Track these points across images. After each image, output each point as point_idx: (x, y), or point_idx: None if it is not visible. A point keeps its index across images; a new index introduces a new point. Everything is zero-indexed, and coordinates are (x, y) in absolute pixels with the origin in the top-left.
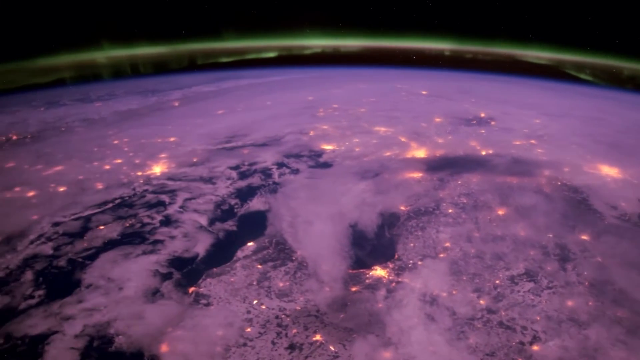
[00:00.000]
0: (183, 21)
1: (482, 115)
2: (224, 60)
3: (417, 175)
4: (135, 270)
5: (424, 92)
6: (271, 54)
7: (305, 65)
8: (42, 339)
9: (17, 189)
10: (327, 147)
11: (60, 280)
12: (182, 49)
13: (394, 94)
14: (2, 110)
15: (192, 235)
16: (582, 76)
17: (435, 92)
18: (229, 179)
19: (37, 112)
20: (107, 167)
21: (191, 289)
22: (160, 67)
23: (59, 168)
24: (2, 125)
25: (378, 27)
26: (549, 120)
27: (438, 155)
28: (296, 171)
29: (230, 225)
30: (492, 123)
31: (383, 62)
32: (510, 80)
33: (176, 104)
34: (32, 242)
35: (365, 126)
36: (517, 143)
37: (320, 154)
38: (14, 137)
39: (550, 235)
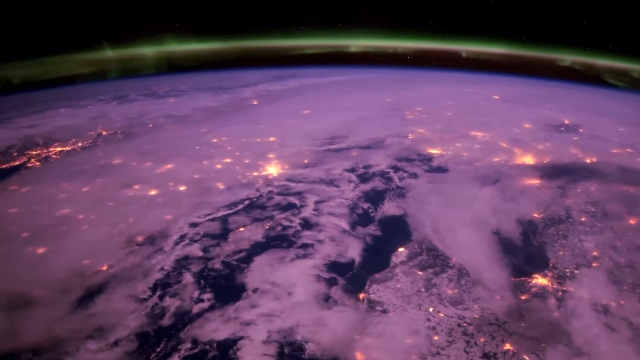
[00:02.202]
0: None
1: (566, 122)
2: (264, 57)
3: (535, 182)
4: (296, 274)
5: (496, 97)
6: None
7: (353, 64)
8: (230, 345)
9: (136, 186)
10: (433, 151)
11: (224, 284)
12: (223, 46)
13: (469, 98)
14: (72, 104)
15: (339, 240)
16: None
17: (507, 97)
18: (350, 181)
19: (111, 107)
20: (219, 166)
21: (361, 295)
22: (206, 64)
23: (169, 166)
24: (85, 120)
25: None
26: (635, 128)
27: (545, 162)
28: (414, 175)
29: (373, 230)
30: (580, 130)
31: (431, 65)
32: (563, 85)
33: (255, 102)
34: (176, 243)
35: (461, 130)
36: (616, 151)
37: (429, 158)
38: (104, 133)
39: None
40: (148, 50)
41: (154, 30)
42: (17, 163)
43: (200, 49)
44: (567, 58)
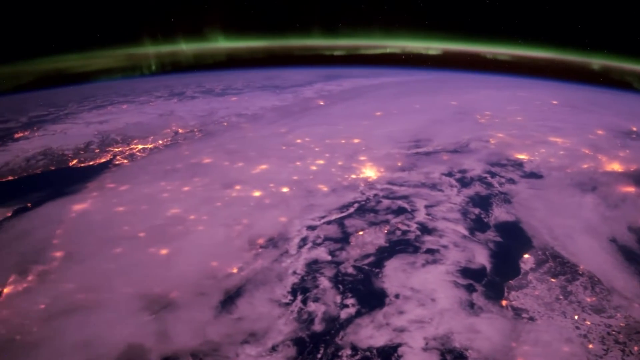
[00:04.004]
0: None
1: (634, 128)
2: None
3: (631, 189)
4: (432, 280)
5: (554, 102)
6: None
7: (392, 66)
8: (390, 352)
9: (238, 187)
10: (521, 156)
11: (362, 289)
12: (263, 44)
13: (530, 103)
14: (130, 100)
15: (463, 246)
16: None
17: (566, 103)
18: (452, 186)
19: (174, 104)
20: (314, 167)
21: (504, 302)
22: (247, 61)
23: (264, 167)
24: (154, 117)
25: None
26: None
27: (633, 169)
28: (511, 181)
29: (492, 236)
30: None
31: (466, 67)
32: (598, 89)
33: (321, 102)
34: (300, 246)
35: (538, 136)
36: None
37: (519, 163)
38: (180, 131)
39: None
40: (186, 47)
41: (193, 27)
42: (103, 160)
43: (241, 47)
44: (596, 62)
